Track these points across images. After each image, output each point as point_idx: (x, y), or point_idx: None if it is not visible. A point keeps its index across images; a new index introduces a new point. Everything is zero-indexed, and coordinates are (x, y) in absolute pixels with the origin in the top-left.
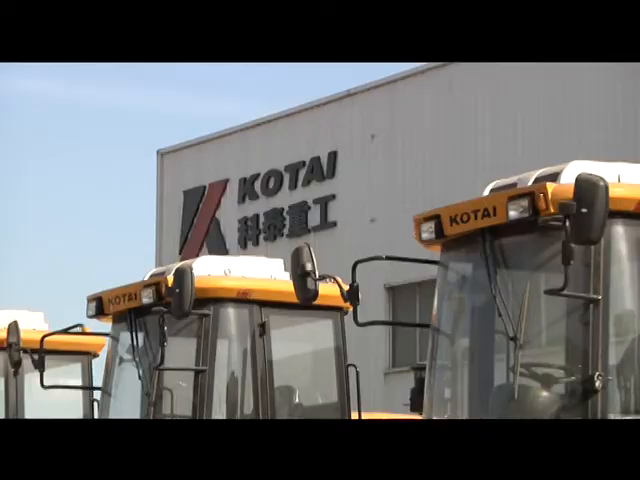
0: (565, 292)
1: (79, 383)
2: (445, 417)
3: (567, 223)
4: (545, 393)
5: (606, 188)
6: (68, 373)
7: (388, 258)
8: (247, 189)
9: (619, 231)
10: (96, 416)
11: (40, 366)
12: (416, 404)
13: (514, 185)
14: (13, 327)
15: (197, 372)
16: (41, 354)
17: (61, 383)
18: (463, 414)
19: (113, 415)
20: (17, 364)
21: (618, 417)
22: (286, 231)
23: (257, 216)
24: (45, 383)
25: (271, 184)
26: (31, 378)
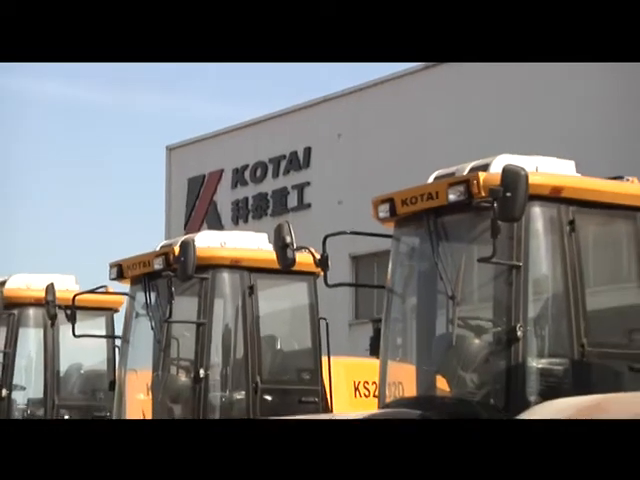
0: (493, 260)
1: (103, 333)
2: (397, 360)
3: (495, 204)
4: (477, 341)
5: (526, 176)
6: (94, 325)
7: (352, 233)
8: (239, 177)
9: (536, 211)
10: (117, 359)
11: (72, 319)
12: (374, 349)
13: (453, 174)
14: (50, 288)
15: (198, 325)
16: (73, 310)
17: (89, 333)
18: (412, 358)
19: (131, 359)
20: (53, 317)
21: (535, 360)
22: (270, 211)
23: (247, 199)
24: (76, 333)
25: (258, 173)
26: (64, 329)
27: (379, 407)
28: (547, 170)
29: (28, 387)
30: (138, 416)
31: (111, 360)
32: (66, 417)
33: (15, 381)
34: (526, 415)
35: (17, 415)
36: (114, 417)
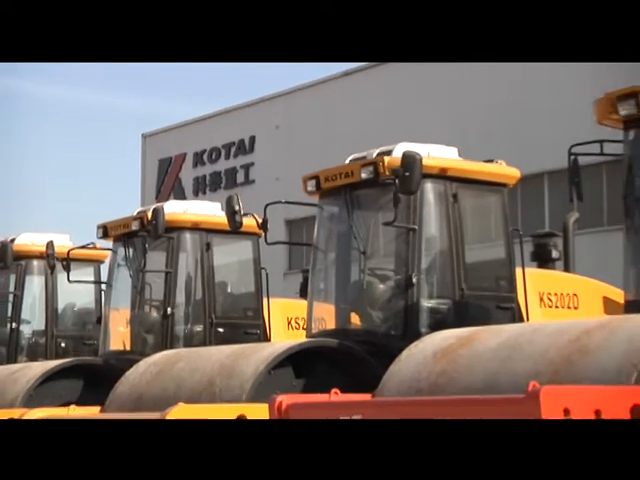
0: (395, 224)
1: (92, 280)
2: (320, 301)
3: (396, 181)
4: (382, 286)
5: (420, 159)
6: (85, 273)
7: (286, 202)
8: (198, 159)
9: (428, 186)
10: (102, 300)
11: (67, 269)
12: (303, 293)
13: (364, 157)
14: (50, 244)
15: (166, 273)
16: (67, 261)
17: (80, 279)
18: (332, 299)
19: (114, 300)
20: (52, 267)
21: (425, 301)
22: (222, 186)
23: (205, 176)
24: (70, 279)
25: (213, 156)
26: (61, 276)
27: (307, 337)
28: (436, 155)
29: (32, 321)
30: (119, 345)
31: (98, 301)
32: (62, 345)
33: (22, 317)
34: (418, 343)
35: (24, 343)
36: (100, 345)
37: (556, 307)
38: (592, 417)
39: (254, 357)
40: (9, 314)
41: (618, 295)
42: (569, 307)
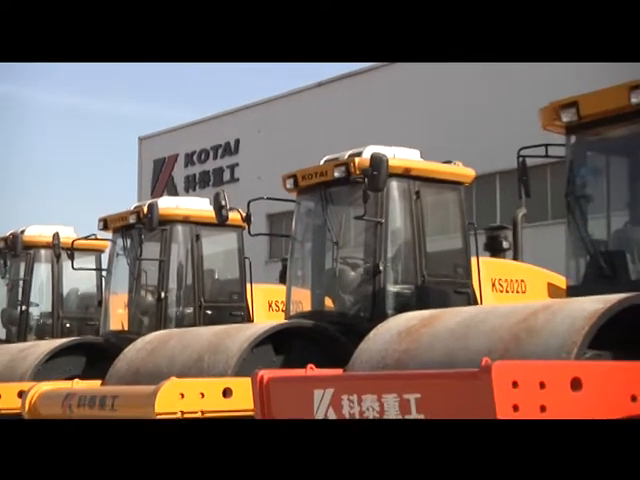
0: (364, 218)
1: (93, 267)
2: (297, 287)
3: (366, 180)
4: (352, 273)
5: (387, 160)
6: (87, 261)
7: (268, 198)
8: (189, 159)
9: (393, 184)
10: (103, 286)
11: (71, 257)
12: (282, 279)
13: (337, 158)
14: (56, 235)
15: (160, 261)
16: (72, 250)
17: (83, 267)
18: (308, 285)
19: (113, 285)
20: (58, 256)
21: (391, 286)
22: (211, 183)
23: (195, 175)
24: (74, 267)
25: (202, 157)
26: (66, 264)
27: (285, 318)
28: (401, 156)
29: (40, 304)
30: (118, 325)
31: (99, 286)
32: (67, 325)
33: (31, 300)
34: (384, 323)
35: (32, 323)
36: (101, 326)
37: (506, 291)
38: (537, 389)
39: (238, 336)
40: (19, 298)
41: (560, 281)
42: (517, 291)
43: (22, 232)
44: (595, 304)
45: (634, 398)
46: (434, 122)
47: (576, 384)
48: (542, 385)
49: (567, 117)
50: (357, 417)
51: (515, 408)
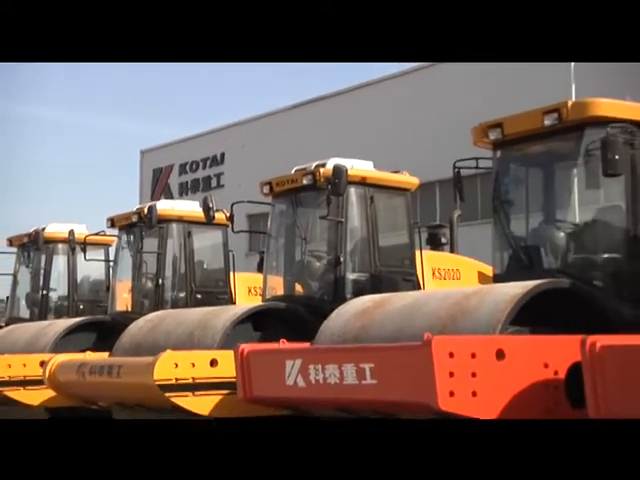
0: (328, 218)
1: (102, 258)
2: (272, 275)
3: (329, 186)
4: (318, 263)
5: (346, 170)
6: (97, 254)
7: (248, 202)
8: (182, 169)
9: (352, 191)
10: (110, 274)
11: (84, 250)
12: (260, 269)
13: (305, 168)
14: (71, 231)
15: (158, 254)
16: (84, 245)
17: (94, 258)
18: (281, 273)
19: (119, 273)
20: (73, 249)
21: (350, 274)
22: (200, 189)
23: (187, 182)
24: (86, 258)
25: (194, 167)
26: (80, 256)
27: (262, 301)
28: (358, 167)
29: (58, 289)
30: (123, 306)
31: (107, 274)
32: (81, 307)
33: (51, 286)
34: (344, 305)
35: (52, 305)
36: (109, 307)
37: (444, 279)
38: (469, 359)
39: (223, 316)
40: (40, 284)
41: (488, 270)
42: (453, 279)
43: (43, 229)
44: (516, 289)
45: (546, 365)
46: (387, 139)
47: (500, 354)
48: (473, 355)
49: (493, 135)
50: (321, 383)
51: (451, 374)
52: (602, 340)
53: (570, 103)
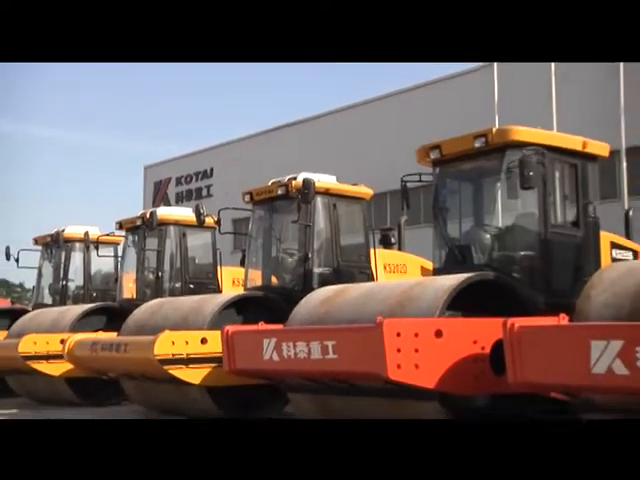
0: (298, 222)
1: (112, 255)
2: (252, 269)
3: (299, 196)
4: (290, 259)
5: (314, 183)
6: (108, 251)
7: (232, 208)
8: (178, 181)
9: (318, 200)
10: (119, 268)
11: (97, 248)
12: (242, 263)
13: (280, 181)
14: (86, 232)
15: (158, 251)
16: (97, 243)
17: (105, 254)
18: (260, 267)
19: (125, 267)
20: (88, 247)
21: (316, 269)
22: (193, 198)
23: (182, 192)
24: (99, 254)
25: (188, 180)
26: (93, 253)
27: (244, 290)
28: (323, 180)
29: (75, 280)
30: (129, 294)
31: (116, 268)
32: (94, 295)
33: (69, 277)
34: (311, 294)
35: (70, 293)
36: (117, 295)
37: (393, 272)
38: (413, 337)
39: (211, 302)
40: (61, 276)
41: (429, 265)
42: (401, 272)
43: (62, 230)
44: (451, 281)
45: (475, 342)
46: (349, 158)
47: (439, 333)
48: (416, 335)
49: (433, 155)
50: (292, 357)
51: (398, 350)
52: (519, 322)
53: (494, 130)
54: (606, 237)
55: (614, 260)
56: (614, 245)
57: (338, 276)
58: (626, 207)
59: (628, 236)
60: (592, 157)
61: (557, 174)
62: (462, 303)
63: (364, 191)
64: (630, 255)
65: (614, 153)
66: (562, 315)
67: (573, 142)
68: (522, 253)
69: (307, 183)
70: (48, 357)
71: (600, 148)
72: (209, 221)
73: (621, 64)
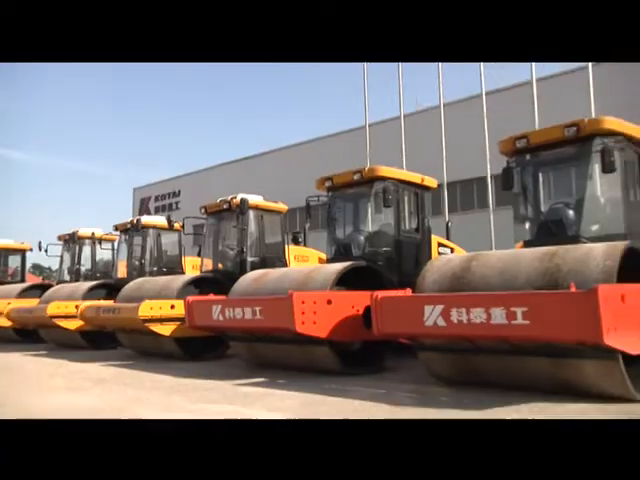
0: (237, 227)
1: (110, 248)
2: (206, 258)
3: (238, 209)
4: (231, 252)
5: (247, 200)
6: (108, 246)
7: (193, 217)
8: (157, 198)
9: (250, 213)
10: (115, 257)
11: (100, 243)
12: (199, 255)
13: (226, 200)
14: (93, 233)
15: (142, 246)
16: (101, 240)
17: (107, 248)
18: (211, 257)
19: (120, 257)
20: (94, 242)
21: (251, 259)
22: (166, 210)
23: (159, 206)
24: (102, 248)
25: (163, 197)
26: (98, 247)
27: (200, 273)
28: (253, 199)
29: (85, 265)
30: (122, 275)
31: (113, 257)
32: (98, 275)
33: (82, 264)
34: (246, 275)
35: (82, 275)
36: (114, 275)
37: (300, 261)
38: (313, 304)
39: (177, 281)
40: (75, 262)
41: (323, 256)
42: (305, 261)
43: (77, 231)
44: (338, 266)
45: (353, 306)
46: (273, 184)
47: (329, 302)
48: (315, 302)
49: (327, 184)
50: (233, 318)
51: (302, 313)
52: (381, 294)
53: (367, 168)
54: (435, 239)
55: (439, 254)
56: (440, 244)
57: (264, 263)
58: (447, 220)
59: (448, 238)
60: (427, 188)
61: (406, 198)
62: (345, 281)
63: (282, 207)
64: (449, 251)
65: (440, 185)
66: (408, 289)
67: (414, 178)
68: (384, 249)
69: (243, 201)
70: (67, 317)
71: (432, 182)
72: (177, 226)
73: None
